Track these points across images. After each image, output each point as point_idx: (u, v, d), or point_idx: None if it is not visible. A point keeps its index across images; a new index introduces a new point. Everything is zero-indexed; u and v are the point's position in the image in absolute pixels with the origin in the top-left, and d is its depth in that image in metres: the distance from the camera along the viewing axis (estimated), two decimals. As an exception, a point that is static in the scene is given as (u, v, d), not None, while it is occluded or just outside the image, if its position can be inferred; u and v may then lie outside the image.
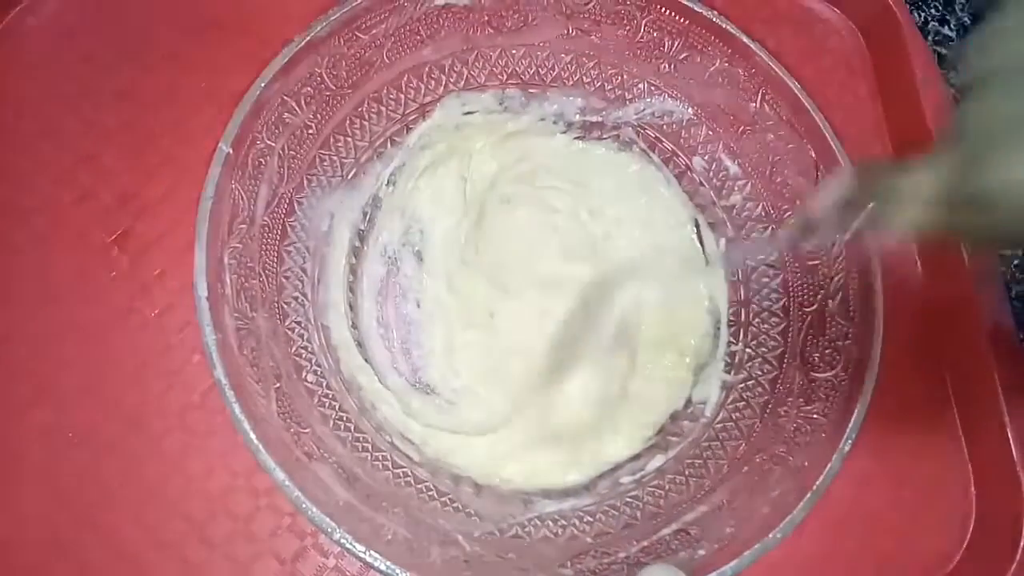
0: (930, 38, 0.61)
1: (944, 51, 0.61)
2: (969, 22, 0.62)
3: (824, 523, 0.46)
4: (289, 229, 0.43)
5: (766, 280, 0.46)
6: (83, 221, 0.49)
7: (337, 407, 0.41)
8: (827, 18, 0.59)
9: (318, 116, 0.44)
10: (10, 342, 0.46)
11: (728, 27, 0.45)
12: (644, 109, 0.49)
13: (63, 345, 0.46)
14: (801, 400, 0.41)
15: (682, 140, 0.49)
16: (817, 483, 0.37)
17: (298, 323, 0.42)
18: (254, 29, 0.53)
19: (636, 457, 0.45)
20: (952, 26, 0.62)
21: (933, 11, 0.62)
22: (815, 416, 0.40)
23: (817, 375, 0.42)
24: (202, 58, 0.53)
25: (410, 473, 0.41)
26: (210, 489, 0.44)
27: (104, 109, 0.51)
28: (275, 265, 0.42)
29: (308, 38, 0.42)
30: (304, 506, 0.35)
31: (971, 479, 0.48)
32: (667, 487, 0.42)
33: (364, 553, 0.34)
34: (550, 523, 0.41)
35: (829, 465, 0.37)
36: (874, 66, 0.57)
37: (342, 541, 0.34)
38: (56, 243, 0.48)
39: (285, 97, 0.42)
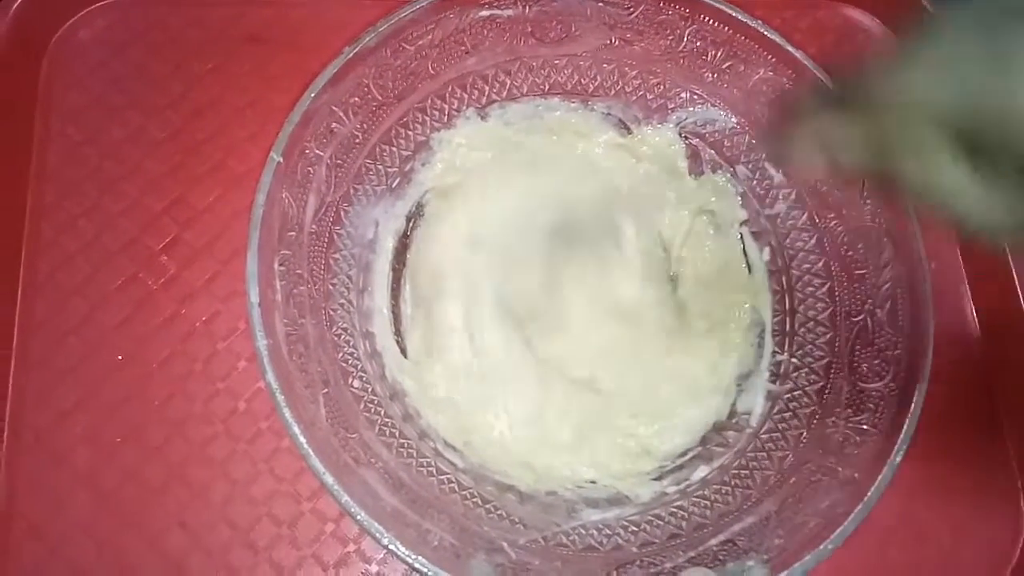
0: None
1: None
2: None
3: (871, 536, 0.45)
4: (336, 237, 0.44)
5: (811, 290, 0.46)
6: (131, 229, 0.50)
7: (382, 413, 0.42)
8: (868, 27, 0.58)
9: (365, 126, 0.45)
10: (59, 347, 0.47)
11: (773, 36, 0.45)
12: (687, 118, 0.49)
13: (111, 350, 0.47)
14: (849, 411, 0.41)
15: (725, 149, 0.49)
16: (869, 494, 0.37)
17: (344, 329, 0.43)
18: (297, 43, 0.54)
19: (679, 468, 0.44)
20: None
21: (974, 20, 0.62)
22: (864, 427, 0.40)
23: (865, 385, 0.41)
24: (248, 71, 0.53)
25: (455, 479, 0.41)
26: (254, 494, 0.45)
27: (152, 120, 0.52)
28: (322, 272, 0.42)
29: (357, 49, 0.42)
30: (353, 510, 0.35)
31: (1020, 492, 0.47)
32: (712, 497, 0.42)
33: (411, 558, 0.35)
34: (595, 532, 0.41)
35: (881, 476, 0.37)
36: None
37: (390, 546, 0.35)
38: (104, 250, 0.49)
39: (333, 107, 0.42)
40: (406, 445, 0.41)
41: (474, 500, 0.41)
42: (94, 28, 0.55)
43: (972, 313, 0.51)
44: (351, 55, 0.42)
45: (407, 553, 0.35)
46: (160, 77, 0.53)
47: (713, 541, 0.39)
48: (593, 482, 0.44)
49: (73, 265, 0.49)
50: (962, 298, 0.51)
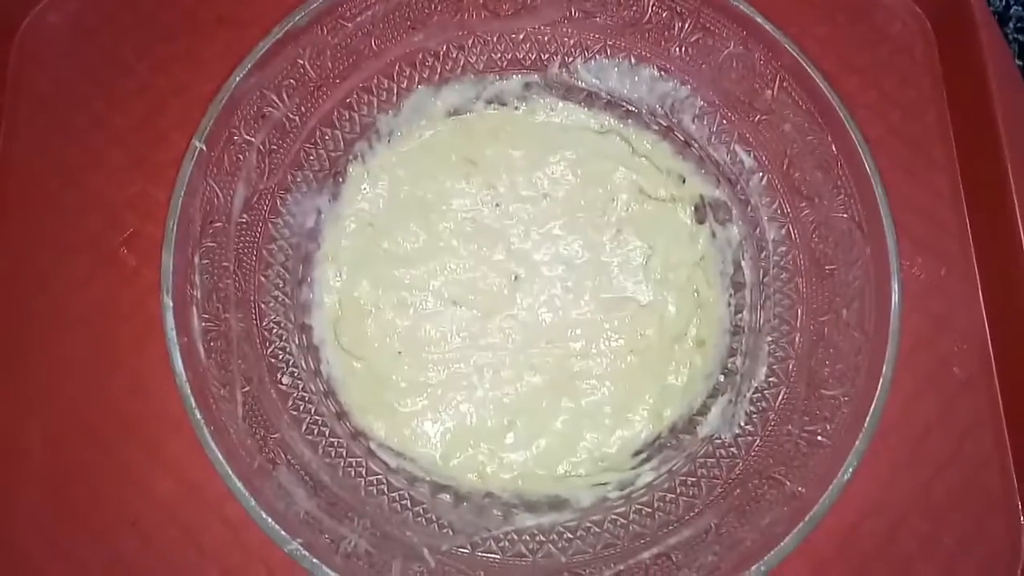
0: (1011, 25, 0.54)
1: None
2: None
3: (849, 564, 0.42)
4: (271, 227, 0.42)
5: (779, 284, 0.42)
6: (92, 222, 0.48)
7: (312, 411, 0.40)
8: (889, 3, 0.52)
9: (302, 109, 0.43)
10: (16, 343, 0.46)
11: (743, 8, 0.41)
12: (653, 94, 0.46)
13: (70, 347, 0.46)
14: (806, 418, 0.38)
15: (695, 129, 0.45)
16: (811, 512, 0.34)
17: (277, 323, 0.41)
18: (268, 25, 0.51)
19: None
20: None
21: (1016, -6, 0.55)
22: (819, 438, 0.37)
23: (825, 392, 0.38)
24: (216, 54, 0.51)
25: (384, 480, 0.40)
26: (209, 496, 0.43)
27: (117, 108, 0.51)
28: (253, 264, 0.41)
29: (286, 28, 0.40)
30: (259, 516, 0.34)
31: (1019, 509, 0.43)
32: (655, 504, 0.39)
33: (317, 567, 0.33)
34: (527, 538, 0.39)
35: (826, 494, 0.34)
36: (941, 57, 0.51)
37: (295, 553, 0.33)
38: (65, 243, 0.48)
39: (264, 90, 0.41)
40: (335, 444, 0.40)
41: (402, 503, 0.39)
42: (65, 11, 0.54)
43: (984, 320, 0.47)
44: (280, 35, 0.40)
45: (314, 561, 0.33)
46: (128, 62, 0.52)
47: (646, 554, 0.37)
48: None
49: (32, 258, 0.48)
50: (975, 303, 0.47)
